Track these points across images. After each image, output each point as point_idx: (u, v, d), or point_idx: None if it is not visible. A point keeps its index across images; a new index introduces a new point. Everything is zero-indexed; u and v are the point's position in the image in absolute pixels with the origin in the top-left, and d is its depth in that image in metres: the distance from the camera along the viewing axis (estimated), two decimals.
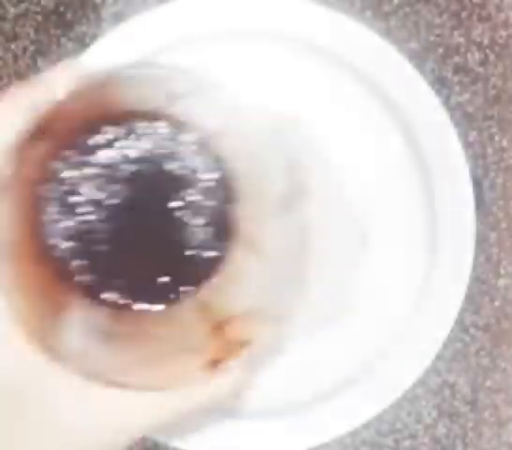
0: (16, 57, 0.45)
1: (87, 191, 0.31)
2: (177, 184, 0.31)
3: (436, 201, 0.43)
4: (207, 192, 0.31)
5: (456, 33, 0.45)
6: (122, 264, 0.31)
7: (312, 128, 0.43)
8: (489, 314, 0.45)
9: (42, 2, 0.45)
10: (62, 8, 0.45)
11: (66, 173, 0.30)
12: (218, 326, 0.29)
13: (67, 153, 0.30)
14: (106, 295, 0.31)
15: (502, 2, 0.45)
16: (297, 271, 0.28)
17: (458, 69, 0.45)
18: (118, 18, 0.44)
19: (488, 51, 0.45)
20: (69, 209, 0.31)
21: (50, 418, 0.28)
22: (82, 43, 0.45)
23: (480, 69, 0.45)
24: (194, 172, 0.31)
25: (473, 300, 0.45)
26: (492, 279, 0.45)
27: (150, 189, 0.31)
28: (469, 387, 0.45)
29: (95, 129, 0.31)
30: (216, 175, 0.31)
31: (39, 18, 0.45)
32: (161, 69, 0.28)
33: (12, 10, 0.45)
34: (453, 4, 0.45)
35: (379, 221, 0.43)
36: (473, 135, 0.45)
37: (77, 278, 0.30)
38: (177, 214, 0.31)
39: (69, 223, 0.31)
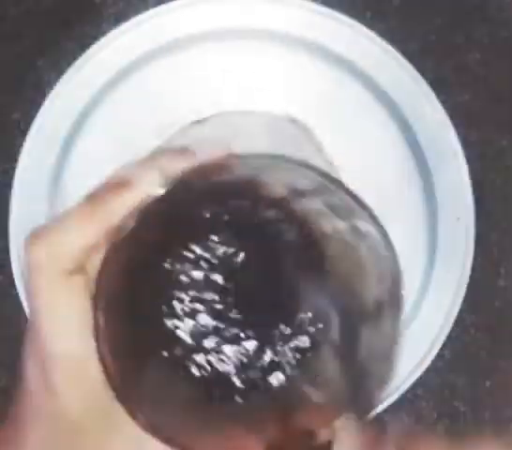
0: (16, 57, 0.45)
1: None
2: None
3: (436, 201, 0.43)
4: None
5: (456, 33, 0.45)
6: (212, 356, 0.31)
7: (312, 128, 0.43)
8: (489, 314, 0.45)
9: (42, 2, 0.45)
10: (62, 8, 0.45)
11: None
12: (288, 414, 0.28)
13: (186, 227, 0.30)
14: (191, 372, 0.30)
15: (502, 2, 0.45)
16: (380, 374, 0.28)
17: (458, 69, 0.45)
18: (118, 18, 0.44)
19: (488, 51, 0.45)
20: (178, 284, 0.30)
21: None
22: (82, 43, 0.45)
23: (480, 69, 0.45)
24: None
25: (473, 300, 0.45)
26: (492, 279, 0.45)
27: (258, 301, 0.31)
28: (469, 387, 0.45)
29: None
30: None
31: (39, 18, 0.45)
32: (287, 163, 0.26)
33: (12, 10, 0.45)
34: (453, 4, 0.45)
35: None
36: (473, 135, 0.45)
37: (166, 351, 0.30)
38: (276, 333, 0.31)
39: (181, 297, 0.30)
